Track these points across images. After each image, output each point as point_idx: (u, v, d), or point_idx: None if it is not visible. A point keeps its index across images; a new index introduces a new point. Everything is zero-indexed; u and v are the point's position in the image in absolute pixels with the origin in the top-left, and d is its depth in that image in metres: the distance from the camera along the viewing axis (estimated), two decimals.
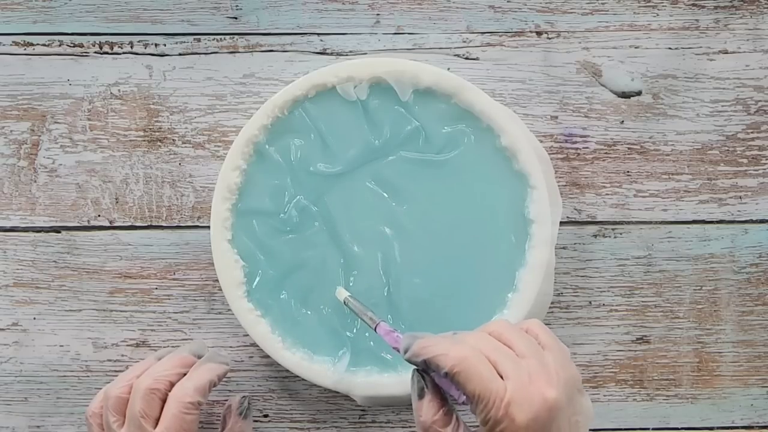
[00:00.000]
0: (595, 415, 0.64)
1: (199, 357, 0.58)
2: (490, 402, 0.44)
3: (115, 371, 0.64)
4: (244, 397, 0.59)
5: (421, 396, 0.48)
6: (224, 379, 0.63)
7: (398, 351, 0.50)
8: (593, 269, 0.64)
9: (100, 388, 0.63)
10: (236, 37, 0.64)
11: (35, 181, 0.64)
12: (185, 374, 0.55)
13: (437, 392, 0.48)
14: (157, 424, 0.53)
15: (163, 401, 0.53)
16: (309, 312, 0.60)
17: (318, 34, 0.64)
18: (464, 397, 0.46)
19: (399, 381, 0.59)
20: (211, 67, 0.64)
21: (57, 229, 0.64)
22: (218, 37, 0.64)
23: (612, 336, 0.64)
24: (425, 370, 0.48)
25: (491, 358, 0.46)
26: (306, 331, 0.60)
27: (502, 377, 0.45)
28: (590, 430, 0.64)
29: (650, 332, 0.64)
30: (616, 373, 0.64)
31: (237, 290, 0.60)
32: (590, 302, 0.64)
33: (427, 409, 0.47)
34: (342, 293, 0.58)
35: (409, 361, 0.48)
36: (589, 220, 0.64)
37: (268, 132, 0.61)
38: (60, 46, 0.64)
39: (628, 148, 0.64)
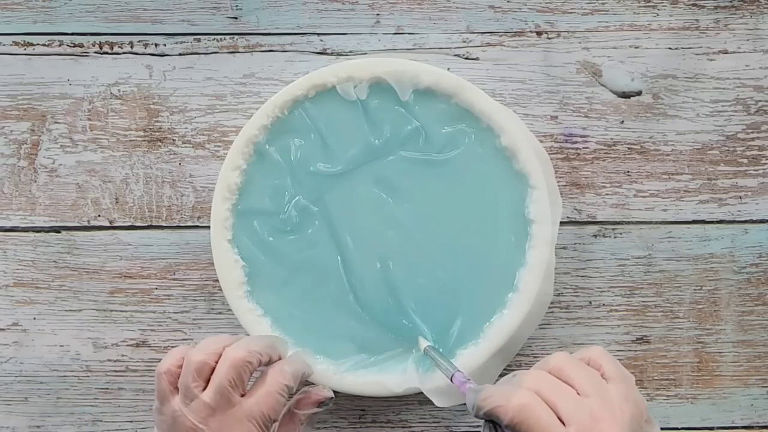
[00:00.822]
0: None
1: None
2: None
3: (115, 371, 0.64)
4: (331, 398, 0.56)
5: None
6: None
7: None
8: (593, 269, 0.64)
9: (100, 388, 0.64)
10: (236, 37, 0.64)
11: (35, 181, 0.64)
12: (271, 359, 0.53)
13: None
14: (242, 395, 0.51)
15: (251, 375, 0.52)
16: (309, 312, 0.60)
17: (318, 34, 0.64)
18: None
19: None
20: (211, 67, 0.64)
21: (57, 229, 0.64)
22: (218, 37, 0.64)
23: (612, 336, 0.64)
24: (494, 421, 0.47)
25: (551, 401, 0.44)
26: (306, 331, 0.60)
27: (563, 421, 0.44)
28: None
29: (650, 332, 0.64)
30: None
31: (237, 290, 0.60)
32: (590, 302, 0.64)
33: None
34: (423, 343, 0.58)
35: (477, 416, 0.47)
36: (589, 220, 0.64)
37: (268, 132, 0.61)
38: (60, 46, 0.64)
39: (628, 148, 0.64)
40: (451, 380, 0.53)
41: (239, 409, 0.50)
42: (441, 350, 0.58)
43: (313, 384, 0.57)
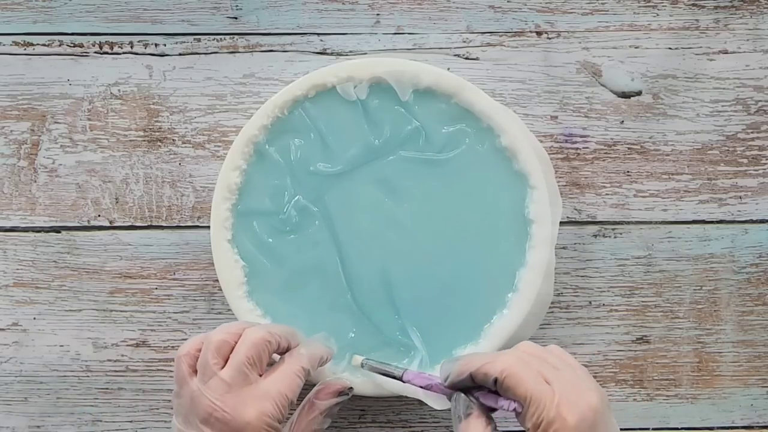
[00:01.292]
0: None
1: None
2: (541, 403, 0.46)
3: (115, 371, 0.64)
4: (351, 388, 0.57)
5: (467, 415, 0.49)
6: None
7: (430, 389, 0.53)
8: (593, 269, 0.64)
9: (100, 388, 0.64)
10: (236, 37, 0.64)
11: (35, 181, 0.64)
12: (290, 346, 0.54)
13: (483, 410, 0.49)
14: (260, 376, 0.51)
15: (269, 357, 0.52)
16: (309, 312, 0.60)
17: (318, 34, 0.64)
18: (514, 405, 0.48)
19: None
20: (211, 67, 0.64)
21: (57, 229, 0.64)
22: (218, 37, 0.64)
23: (612, 336, 0.64)
24: (466, 390, 0.50)
25: (533, 366, 0.48)
26: (306, 332, 0.60)
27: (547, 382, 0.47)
28: None
29: (650, 332, 0.64)
30: (616, 373, 0.64)
31: (237, 290, 0.60)
32: (590, 302, 0.64)
33: (475, 426, 0.48)
34: (357, 359, 0.58)
35: (453, 386, 0.50)
36: (589, 220, 0.64)
37: (268, 132, 0.61)
38: (60, 46, 0.64)
39: (628, 148, 0.64)
40: (402, 379, 0.55)
41: (256, 388, 0.50)
42: (376, 359, 0.58)
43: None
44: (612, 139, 0.64)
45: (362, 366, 0.57)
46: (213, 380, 0.50)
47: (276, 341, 0.52)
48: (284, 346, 0.53)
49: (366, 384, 0.59)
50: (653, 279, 0.64)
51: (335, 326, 0.60)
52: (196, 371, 0.51)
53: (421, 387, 0.54)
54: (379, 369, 0.56)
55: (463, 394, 0.50)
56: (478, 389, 0.50)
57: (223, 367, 0.50)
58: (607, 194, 0.64)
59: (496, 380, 0.48)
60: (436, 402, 0.56)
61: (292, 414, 0.55)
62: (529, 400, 0.47)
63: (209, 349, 0.51)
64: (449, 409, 0.52)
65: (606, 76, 0.64)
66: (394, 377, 0.55)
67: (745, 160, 0.64)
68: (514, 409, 0.48)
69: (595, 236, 0.64)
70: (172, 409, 0.63)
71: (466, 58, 0.64)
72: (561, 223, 0.62)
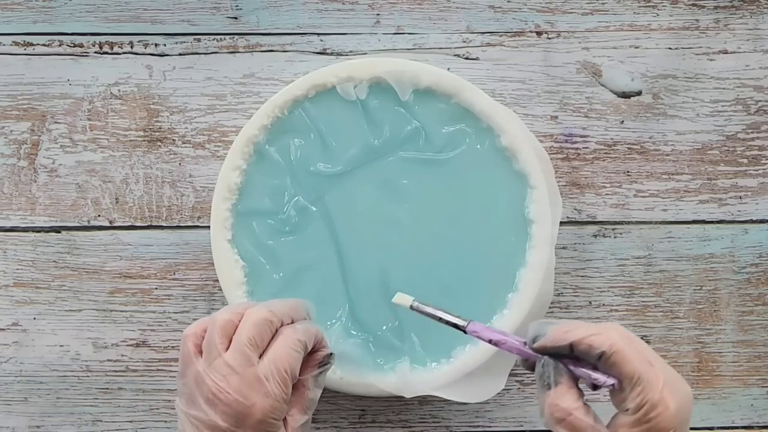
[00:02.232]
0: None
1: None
2: (649, 384, 0.45)
3: (115, 371, 0.64)
4: (331, 354, 0.54)
5: (557, 383, 0.48)
6: None
7: (500, 345, 0.50)
8: (593, 269, 0.64)
9: (100, 388, 0.64)
10: (236, 37, 0.64)
11: (35, 181, 0.64)
12: (294, 322, 0.53)
13: (573, 380, 0.48)
14: (261, 356, 0.50)
15: (272, 336, 0.51)
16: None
17: (318, 34, 0.64)
18: (612, 381, 0.46)
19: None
20: (211, 67, 0.64)
21: (57, 229, 0.64)
22: (218, 37, 0.64)
23: None
24: (555, 356, 0.48)
25: (636, 347, 0.46)
26: None
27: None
28: None
29: (650, 332, 0.64)
30: None
31: (237, 290, 0.60)
32: (590, 302, 0.64)
33: (567, 397, 0.47)
34: (404, 299, 0.54)
35: (541, 350, 0.48)
36: (589, 220, 0.64)
37: (268, 132, 0.61)
38: (60, 46, 0.64)
39: (628, 148, 0.64)
40: (465, 331, 0.51)
41: (258, 369, 0.49)
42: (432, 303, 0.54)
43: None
44: (612, 139, 0.64)
45: (411, 308, 0.54)
46: (217, 361, 0.49)
47: (278, 320, 0.51)
48: (287, 323, 0.52)
49: (366, 385, 0.59)
50: (653, 279, 0.64)
51: (335, 326, 0.60)
52: (201, 352, 0.50)
53: (490, 341, 0.51)
54: (433, 314, 0.53)
55: (553, 360, 0.48)
56: (568, 358, 0.48)
57: (228, 348, 0.50)
58: (607, 194, 0.64)
59: (601, 355, 0.46)
60: (464, 395, 0.55)
61: None
62: (636, 379, 0.45)
63: (215, 330, 0.50)
64: (451, 407, 0.51)
65: (606, 76, 0.64)
66: (453, 325, 0.52)
67: (745, 160, 0.64)
68: (612, 385, 0.46)
69: (595, 236, 0.64)
70: (173, 408, 0.63)
71: (466, 58, 0.64)
72: (561, 223, 0.62)
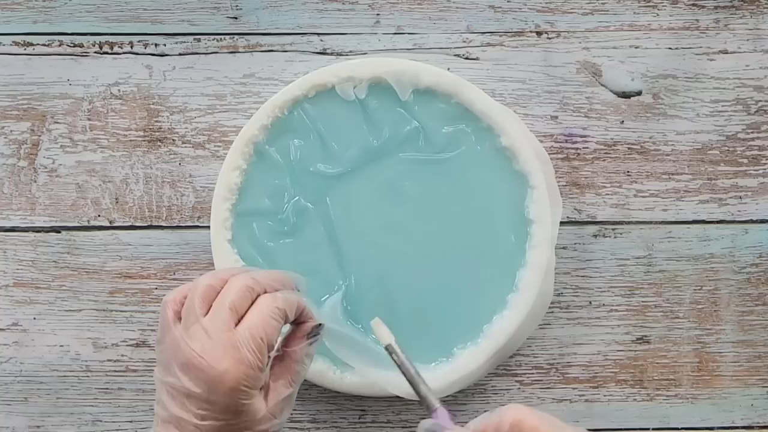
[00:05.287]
0: (594, 415, 0.64)
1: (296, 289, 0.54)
2: None
3: (115, 371, 0.64)
4: (320, 325, 0.53)
5: None
6: None
7: None
8: (593, 269, 0.64)
9: (100, 388, 0.64)
10: (236, 37, 0.64)
11: (35, 181, 0.64)
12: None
13: None
14: (239, 323, 0.49)
15: (250, 303, 0.49)
16: None
17: (318, 34, 0.64)
18: None
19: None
20: (211, 67, 0.64)
21: (57, 229, 0.64)
22: (218, 37, 0.64)
23: (612, 336, 0.64)
24: None
25: None
26: None
27: None
28: (590, 430, 0.64)
29: (650, 332, 0.64)
30: (616, 373, 0.64)
31: None
32: (590, 302, 0.64)
33: None
34: (382, 333, 0.53)
35: None
36: (589, 220, 0.64)
37: (268, 132, 0.61)
38: (60, 46, 0.64)
39: (628, 148, 0.64)
40: (431, 413, 0.50)
41: (233, 335, 0.48)
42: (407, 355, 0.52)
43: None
44: (612, 139, 0.64)
45: (386, 348, 0.52)
46: (195, 326, 0.48)
47: (261, 288, 0.50)
48: (271, 292, 0.51)
49: (366, 385, 0.59)
50: (653, 279, 0.64)
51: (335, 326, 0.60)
52: (180, 318, 0.49)
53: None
54: (407, 370, 0.51)
55: None
56: None
57: (207, 314, 0.48)
58: (607, 194, 0.64)
59: None
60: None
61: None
62: None
63: (195, 295, 0.49)
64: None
65: (606, 76, 0.64)
66: (420, 398, 0.50)
67: (745, 160, 0.64)
68: None
69: (595, 236, 0.64)
70: None
71: (466, 58, 0.64)
72: (561, 223, 0.62)
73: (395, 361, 0.52)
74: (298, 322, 0.52)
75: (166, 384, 0.48)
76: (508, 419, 0.44)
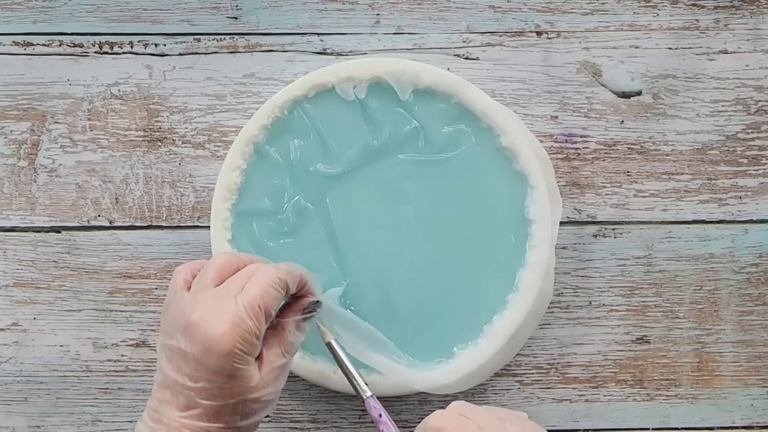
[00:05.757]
0: (594, 415, 0.64)
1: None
2: None
3: (115, 371, 0.64)
4: (317, 302, 0.54)
5: None
6: None
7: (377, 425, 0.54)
8: (593, 269, 0.64)
9: (100, 388, 0.64)
10: (236, 37, 0.64)
11: (35, 181, 0.64)
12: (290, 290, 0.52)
13: None
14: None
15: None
16: None
17: (318, 34, 0.64)
18: None
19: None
20: (211, 67, 0.64)
21: (57, 229, 0.64)
22: (218, 37, 0.64)
23: (612, 336, 0.64)
24: None
25: None
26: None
27: None
28: (591, 430, 0.64)
29: (650, 332, 0.64)
30: (616, 373, 0.64)
31: None
32: (590, 302, 0.64)
33: None
34: (326, 332, 0.56)
35: None
36: (589, 220, 0.64)
37: (268, 132, 0.61)
38: (60, 46, 0.64)
39: (628, 148, 0.64)
40: (363, 398, 0.55)
41: (233, 301, 0.48)
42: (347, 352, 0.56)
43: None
44: (612, 139, 0.64)
45: (327, 344, 0.56)
46: (202, 294, 0.49)
47: (284, 286, 0.50)
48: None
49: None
50: (653, 279, 0.64)
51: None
52: (189, 289, 0.51)
53: (372, 419, 0.54)
54: (342, 362, 0.55)
55: None
56: None
57: (218, 286, 0.50)
58: (607, 194, 0.64)
59: None
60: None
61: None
62: None
63: (212, 266, 0.50)
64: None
65: (606, 76, 0.64)
66: (353, 386, 0.55)
67: (745, 160, 0.64)
68: None
69: (595, 236, 0.64)
70: None
71: (466, 58, 0.64)
72: (561, 223, 0.62)
73: (336, 359, 0.55)
74: (298, 296, 0.53)
75: (166, 348, 0.49)
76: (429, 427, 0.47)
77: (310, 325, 0.54)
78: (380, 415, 0.54)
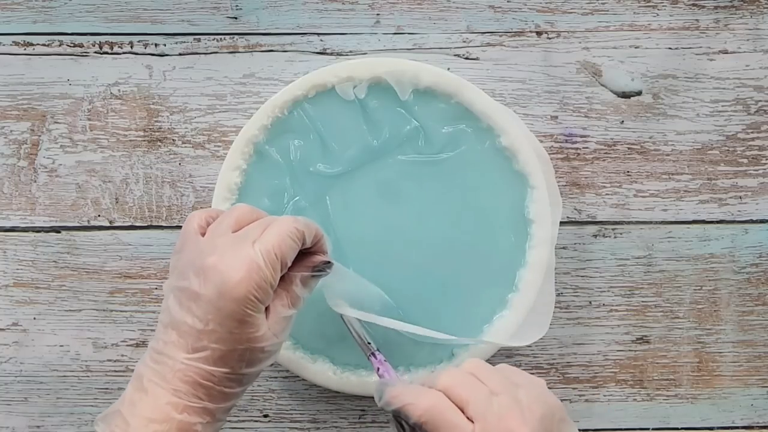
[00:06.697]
0: (594, 415, 0.64)
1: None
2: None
3: (115, 371, 0.64)
4: (328, 262, 0.53)
5: None
6: None
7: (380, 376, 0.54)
8: (593, 269, 0.64)
9: (100, 389, 0.64)
10: (236, 37, 0.64)
11: (35, 181, 0.64)
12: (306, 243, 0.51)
13: None
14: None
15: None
16: (308, 313, 0.60)
17: (318, 34, 0.64)
18: None
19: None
20: (211, 67, 0.64)
21: (57, 229, 0.64)
22: (218, 37, 0.64)
23: (612, 336, 0.64)
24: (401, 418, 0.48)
25: (462, 398, 0.45)
26: (307, 332, 0.60)
27: (471, 419, 0.45)
28: (591, 430, 0.64)
29: (650, 332, 0.64)
30: (616, 373, 0.64)
31: None
32: (590, 302, 0.64)
33: None
34: (340, 306, 0.56)
35: (383, 408, 0.47)
36: (589, 220, 0.64)
37: (268, 132, 0.61)
38: (60, 46, 0.64)
39: (628, 148, 0.64)
40: (368, 358, 0.55)
41: (251, 248, 0.48)
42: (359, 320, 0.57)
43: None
44: (612, 139, 0.64)
45: (341, 316, 0.56)
46: (221, 239, 0.49)
47: (300, 237, 0.50)
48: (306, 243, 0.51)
49: (366, 385, 0.59)
50: (653, 279, 0.64)
51: (333, 327, 0.60)
52: (203, 234, 0.50)
53: (378, 375, 0.54)
54: (353, 330, 0.56)
55: (395, 421, 0.47)
56: None
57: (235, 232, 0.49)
58: (607, 194, 0.64)
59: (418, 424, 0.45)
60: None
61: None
62: None
63: (232, 214, 0.50)
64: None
65: (606, 76, 0.64)
66: (362, 344, 0.56)
67: (745, 160, 0.64)
68: None
69: (595, 236, 0.64)
70: None
71: (466, 58, 0.64)
72: (561, 223, 0.62)
73: (346, 323, 0.56)
74: (310, 251, 0.52)
75: (176, 289, 0.49)
76: (413, 415, 0.45)
77: (316, 282, 0.53)
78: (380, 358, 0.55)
